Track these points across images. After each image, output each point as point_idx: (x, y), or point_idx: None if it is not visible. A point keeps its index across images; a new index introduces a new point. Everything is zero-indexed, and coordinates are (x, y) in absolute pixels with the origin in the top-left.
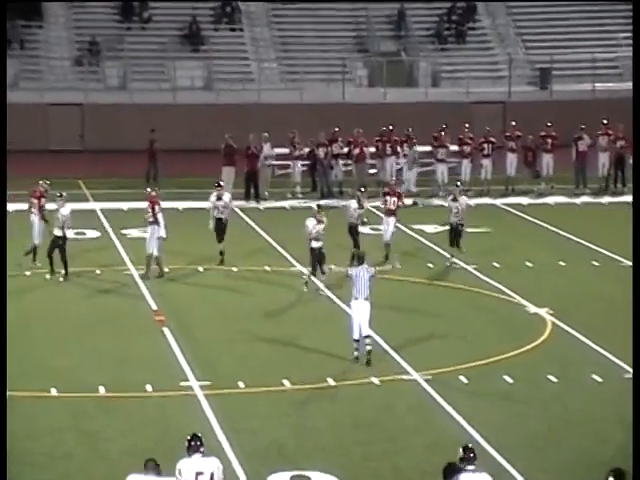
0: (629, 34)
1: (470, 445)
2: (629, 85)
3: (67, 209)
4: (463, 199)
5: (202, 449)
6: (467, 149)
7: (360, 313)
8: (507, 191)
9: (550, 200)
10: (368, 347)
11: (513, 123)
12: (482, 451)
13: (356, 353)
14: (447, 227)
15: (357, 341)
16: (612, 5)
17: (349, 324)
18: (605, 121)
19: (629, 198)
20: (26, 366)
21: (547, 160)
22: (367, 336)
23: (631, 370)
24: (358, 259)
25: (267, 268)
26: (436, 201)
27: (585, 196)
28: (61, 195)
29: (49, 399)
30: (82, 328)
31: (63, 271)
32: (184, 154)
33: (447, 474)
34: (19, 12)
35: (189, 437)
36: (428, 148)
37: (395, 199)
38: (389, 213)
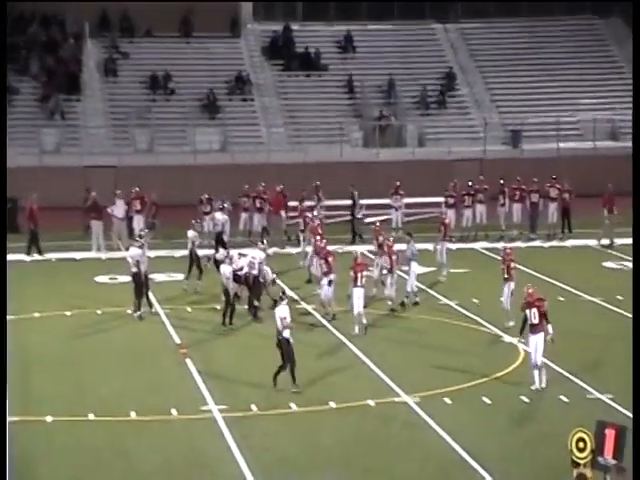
0: (589, 100)
1: None
2: (589, 144)
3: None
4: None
5: None
6: (451, 201)
7: None
8: (476, 237)
9: (521, 244)
10: None
11: (481, 178)
12: (465, 463)
13: None
14: None
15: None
16: (575, 75)
17: None
18: (554, 176)
19: (575, 242)
20: (69, 394)
21: (516, 209)
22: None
23: (594, 392)
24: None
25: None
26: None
27: (537, 241)
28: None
29: (88, 422)
30: (120, 360)
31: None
32: None
33: None
34: (61, 87)
35: None
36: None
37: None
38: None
